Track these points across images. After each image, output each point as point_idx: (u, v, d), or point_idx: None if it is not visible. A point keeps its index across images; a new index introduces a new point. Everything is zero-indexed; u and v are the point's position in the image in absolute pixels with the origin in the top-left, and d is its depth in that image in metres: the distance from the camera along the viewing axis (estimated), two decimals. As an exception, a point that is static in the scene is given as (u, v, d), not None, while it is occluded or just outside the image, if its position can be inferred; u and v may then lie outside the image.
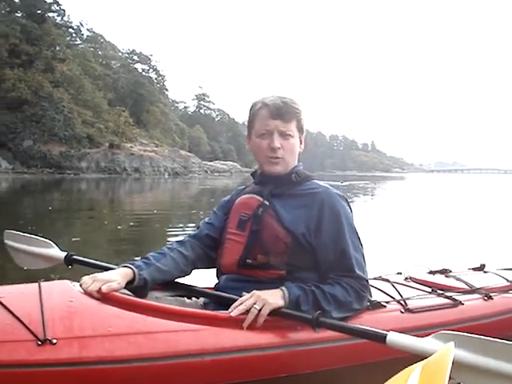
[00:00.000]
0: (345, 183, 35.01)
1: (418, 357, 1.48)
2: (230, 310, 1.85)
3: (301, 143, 2.22)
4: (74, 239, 6.66)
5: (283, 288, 1.90)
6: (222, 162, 72.96)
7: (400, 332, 1.77)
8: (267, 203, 2.11)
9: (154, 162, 51.19)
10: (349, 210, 2.13)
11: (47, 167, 41.77)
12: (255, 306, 1.81)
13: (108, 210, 13.25)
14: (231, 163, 74.32)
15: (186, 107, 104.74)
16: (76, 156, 44.29)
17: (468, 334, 1.57)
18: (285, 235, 2.03)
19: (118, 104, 58.36)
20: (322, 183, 2.20)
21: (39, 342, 1.52)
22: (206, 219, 2.36)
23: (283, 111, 2.08)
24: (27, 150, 41.65)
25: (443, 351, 1.32)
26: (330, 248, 2.01)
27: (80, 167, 44.10)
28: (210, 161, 70.17)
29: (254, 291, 1.87)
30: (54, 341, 1.54)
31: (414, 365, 1.25)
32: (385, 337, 1.66)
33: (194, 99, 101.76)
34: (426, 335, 1.66)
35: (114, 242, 6.87)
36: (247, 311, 1.82)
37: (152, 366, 1.64)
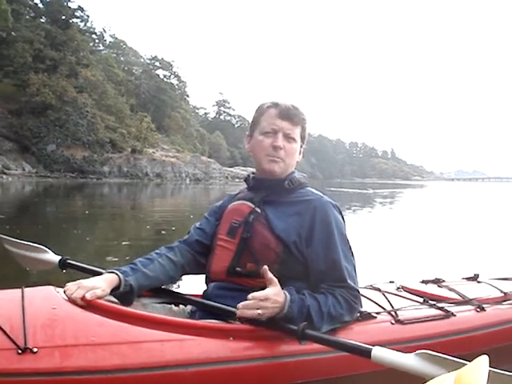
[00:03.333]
0: (370, 191, 34.74)
1: (403, 372, 1.52)
2: (239, 306, 1.80)
3: (300, 153, 2.20)
4: (124, 243, 6.84)
5: (286, 294, 1.84)
6: (241, 168, 72.96)
7: (390, 344, 1.82)
8: (259, 210, 2.09)
9: (175, 168, 51.58)
10: (341, 220, 2.09)
11: (70, 171, 42.08)
12: (258, 311, 1.76)
13: (141, 213, 13.44)
14: (251, 169, 74.04)
15: (206, 113, 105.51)
16: (99, 161, 44.63)
17: (446, 357, 1.50)
18: (275, 244, 1.99)
19: (139, 110, 58.87)
20: (315, 191, 2.16)
21: (19, 351, 1.48)
22: (197, 224, 2.32)
23: (292, 113, 2.08)
24: (51, 155, 41.98)
25: (477, 363, 1.25)
26: (321, 257, 1.98)
27: (102, 172, 44.45)
28: (230, 167, 70.29)
29: (267, 293, 1.79)
30: (35, 349, 1.49)
31: (445, 375, 1.24)
32: (370, 351, 1.62)
33: (214, 105, 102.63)
34: (417, 347, 1.64)
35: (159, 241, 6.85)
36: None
37: (135, 376, 1.59)
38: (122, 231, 8.94)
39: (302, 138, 2.16)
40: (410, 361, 1.55)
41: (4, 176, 34.67)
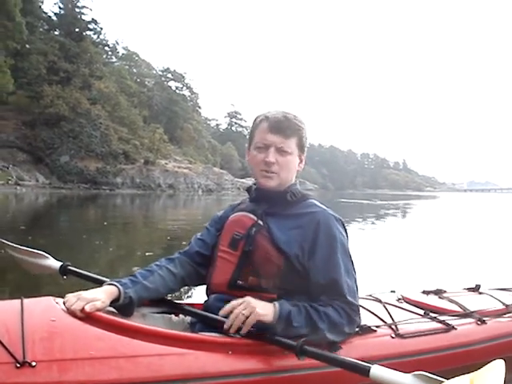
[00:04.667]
0: (378, 202, 34.64)
1: None
2: (225, 324, 1.81)
3: (301, 162, 2.16)
4: (147, 253, 6.84)
5: (275, 303, 1.84)
6: (253, 179, 73.07)
7: (390, 358, 1.85)
8: (261, 223, 2.05)
9: (188, 179, 51.78)
10: (344, 234, 2.07)
11: (83, 182, 42.28)
12: (243, 311, 1.77)
13: (159, 224, 13.53)
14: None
15: (217, 124, 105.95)
16: (112, 172, 44.86)
17: (443, 380, 1.43)
18: (278, 258, 1.97)
19: (152, 121, 59.21)
20: (318, 203, 2.12)
21: (18, 365, 1.45)
22: (198, 235, 2.29)
23: (283, 126, 2.03)
24: (64, 166, 42.24)
25: (493, 367, 1.27)
26: (322, 271, 1.96)
27: (115, 183, 44.69)
28: (242, 178, 70.29)
29: (247, 297, 1.83)
30: (34, 363, 1.46)
31: (461, 377, 1.27)
32: (368, 370, 1.59)
33: (225, 116, 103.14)
34: (417, 361, 1.71)
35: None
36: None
37: None
38: (142, 242, 8.98)
39: (301, 147, 2.11)
40: (407, 381, 1.52)
41: (18, 187, 34.91)
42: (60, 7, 51.11)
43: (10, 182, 35.37)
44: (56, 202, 23.56)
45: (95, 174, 43.54)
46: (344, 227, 2.09)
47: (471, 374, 1.22)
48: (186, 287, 2.36)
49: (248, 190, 2.26)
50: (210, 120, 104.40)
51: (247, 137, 2.26)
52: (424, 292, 2.89)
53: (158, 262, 2.13)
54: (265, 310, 1.80)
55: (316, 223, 2.01)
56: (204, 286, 2.19)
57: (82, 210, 19.66)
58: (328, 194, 69.58)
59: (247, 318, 1.77)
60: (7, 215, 14.62)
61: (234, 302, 1.82)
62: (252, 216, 2.09)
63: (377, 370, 1.58)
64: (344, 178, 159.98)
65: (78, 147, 43.59)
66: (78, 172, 42.63)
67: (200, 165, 58.81)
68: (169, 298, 2.17)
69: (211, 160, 70.43)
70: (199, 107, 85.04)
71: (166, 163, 52.19)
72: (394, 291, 2.85)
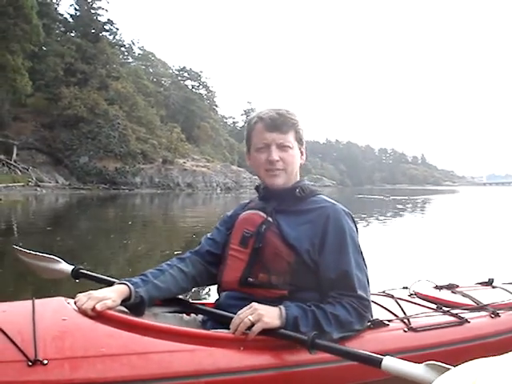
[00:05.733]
0: (391, 198, 34.31)
1: (413, 382, 1.51)
2: (230, 326, 1.81)
3: (302, 154, 2.17)
4: (176, 252, 6.77)
5: (281, 307, 1.84)
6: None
7: (403, 352, 1.86)
8: (271, 220, 2.06)
9: (206, 178, 51.86)
10: (354, 228, 2.07)
11: (102, 183, 42.43)
12: (250, 317, 1.77)
13: (183, 222, 13.55)
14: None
15: (234, 122, 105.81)
16: (131, 172, 45.00)
17: (460, 368, 1.38)
18: (288, 254, 1.98)
19: (169, 120, 59.39)
20: (328, 198, 2.13)
21: (30, 363, 1.47)
22: (208, 235, 2.31)
23: (279, 123, 2.05)
24: (83, 167, 42.45)
25: None
26: (332, 266, 1.95)
27: (134, 183, 44.81)
28: (260, 175, 70.34)
29: (253, 303, 1.83)
30: (45, 361, 1.48)
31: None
32: (380, 361, 1.60)
33: (242, 114, 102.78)
34: (430, 355, 1.64)
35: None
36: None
37: None
38: (168, 240, 9.04)
39: (299, 140, 2.12)
40: (420, 371, 1.52)
41: (38, 188, 35.12)
42: (76, 9, 51.38)
43: (30, 183, 35.54)
44: (77, 203, 23.70)
45: (114, 174, 43.70)
46: (354, 221, 2.08)
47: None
48: (198, 287, 2.37)
49: (257, 188, 2.27)
50: (226, 118, 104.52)
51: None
52: (436, 287, 2.86)
53: (168, 262, 2.14)
54: (271, 317, 1.80)
55: (325, 217, 2.00)
56: (215, 286, 2.21)
57: (104, 210, 19.84)
58: (346, 190, 69.39)
59: (253, 324, 1.76)
60: (31, 217, 14.75)
61: (240, 312, 1.82)
62: (262, 213, 2.10)
63: (389, 362, 1.59)
64: (362, 173, 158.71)
65: (97, 148, 43.78)
66: (97, 172, 42.82)
67: (218, 163, 58.87)
68: (180, 297, 2.17)
69: (229, 158, 70.48)
70: (216, 105, 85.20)
71: (184, 162, 52.31)
72: (406, 287, 2.84)
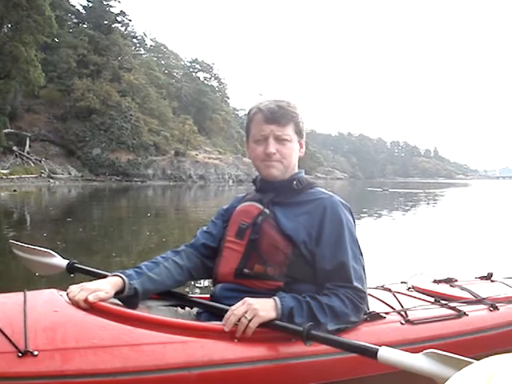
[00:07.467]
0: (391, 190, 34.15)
1: (412, 373, 1.49)
2: (223, 321, 1.78)
3: (301, 147, 2.14)
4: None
5: (276, 298, 1.81)
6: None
7: (399, 345, 1.83)
8: (267, 211, 2.04)
9: (218, 170, 51.96)
10: (351, 220, 2.05)
11: (115, 174, 42.57)
12: (246, 315, 1.73)
13: (202, 213, 13.56)
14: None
15: (246, 114, 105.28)
16: (143, 164, 45.04)
17: (455, 356, 1.45)
18: (284, 245, 1.95)
19: (181, 112, 59.35)
20: (325, 191, 2.11)
21: (20, 354, 1.46)
22: (204, 228, 2.30)
23: (278, 115, 2.01)
24: (96, 158, 42.54)
25: None
26: (328, 257, 1.93)
27: (147, 174, 44.90)
28: (272, 167, 70.38)
29: (246, 298, 1.79)
30: (36, 352, 1.47)
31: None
32: (376, 352, 1.57)
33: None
34: (427, 347, 1.58)
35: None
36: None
37: (137, 379, 1.56)
38: (188, 231, 9.04)
39: (299, 133, 2.09)
40: (417, 361, 1.51)
41: (51, 180, 35.31)
42: (88, 0, 51.35)
43: (42, 175, 35.74)
44: (91, 194, 23.82)
45: (126, 166, 43.73)
46: (351, 213, 2.07)
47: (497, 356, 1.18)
48: (193, 281, 2.39)
49: (254, 181, 2.25)
50: (238, 110, 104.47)
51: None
52: (435, 281, 2.86)
53: (163, 255, 2.12)
54: (266, 310, 1.77)
55: (323, 209, 1.99)
56: (211, 279, 2.19)
57: (119, 201, 19.97)
58: (358, 183, 69.25)
59: (250, 320, 1.73)
60: (49, 208, 14.78)
61: (233, 307, 1.79)
62: (258, 205, 2.09)
63: (385, 352, 1.56)
64: (374, 166, 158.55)
65: (109, 139, 43.87)
66: (109, 164, 42.89)
67: (230, 155, 58.86)
68: (174, 291, 2.14)
69: (240, 150, 70.44)
70: (227, 97, 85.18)
71: (197, 154, 52.37)
72: (404, 282, 2.82)
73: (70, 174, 39.77)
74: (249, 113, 2.14)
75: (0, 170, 32.04)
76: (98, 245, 6.58)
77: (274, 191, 2.10)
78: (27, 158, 37.19)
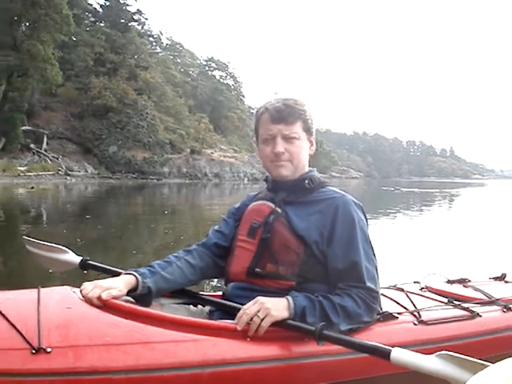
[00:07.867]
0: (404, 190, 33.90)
1: (424, 374, 1.49)
2: (235, 320, 1.78)
3: (311, 145, 2.14)
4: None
5: (289, 298, 1.82)
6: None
7: (412, 345, 1.83)
8: (279, 210, 2.05)
9: (233, 168, 51.95)
10: (364, 219, 2.05)
11: (131, 172, 42.61)
12: (258, 314, 1.74)
13: (218, 211, 13.79)
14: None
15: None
16: (159, 162, 45.02)
17: (468, 358, 1.44)
18: (296, 245, 1.95)
19: (197, 111, 59.34)
20: (337, 190, 2.11)
21: (33, 351, 1.48)
22: (216, 227, 2.30)
23: (285, 114, 2.01)
24: (112, 156, 42.62)
25: None
26: (340, 257, 1.93)
27: (162, 172, 44.88)
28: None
29: (258, 297, 1.80)
30: (49, 349, 1.49)
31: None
32: (389, 353, 1.57)
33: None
34: (441, 349, 1.58)
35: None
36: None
37: (149, 377, 1.57)
38: (204, 228, 8.97)
39: (308, 130, 2.08)
40: (430, 362, 1.51)
41: (67, 177, 35.44)
42: (105, -1, 51.51)
43: (59, 172, 35.89)
44: (108, 192, 23.98)
45: (142, 164, 43.74)
46: (364, 213, 2.06)
47: None
48: (205, 280, 2.43)
49: (266, 179, 2.25)
50: (253, 109, 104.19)
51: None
52: (448, 281, 2.86)
53: (175, 254, 2.13)
54: (279, 309, 1.78)
55: (335, 208, 1.98)
56: (223, 278, 2.20)
57: (136, 199, 20.11)
58: (374, 182, 68.93)
59: (262, 320, 1.74)
60: (67, 205, 14.88)
61: (245, 307, 1.80)
62: (270, 204, 2.09)
63: (398, 353, 1.57)
64: (389, 166, 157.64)
65: (126, 137, 43.88)
66: (125, 162, 42.90)
67: (245, 154, 58.80)
68: (187, 289, 2.16)
69: (255, 149, 70.32)
70: (243, 96, 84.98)
71: (212, 152, 52.33)
72: (418, 282, 2.83)
73: (86, 171, 39.91)
74: (256, 113, 2.15)
75: (17, 167, 32.26)
76: (117, 242, 6.66)
77: (286, 190, 2.09)
78: (44, 155, 37.38)
